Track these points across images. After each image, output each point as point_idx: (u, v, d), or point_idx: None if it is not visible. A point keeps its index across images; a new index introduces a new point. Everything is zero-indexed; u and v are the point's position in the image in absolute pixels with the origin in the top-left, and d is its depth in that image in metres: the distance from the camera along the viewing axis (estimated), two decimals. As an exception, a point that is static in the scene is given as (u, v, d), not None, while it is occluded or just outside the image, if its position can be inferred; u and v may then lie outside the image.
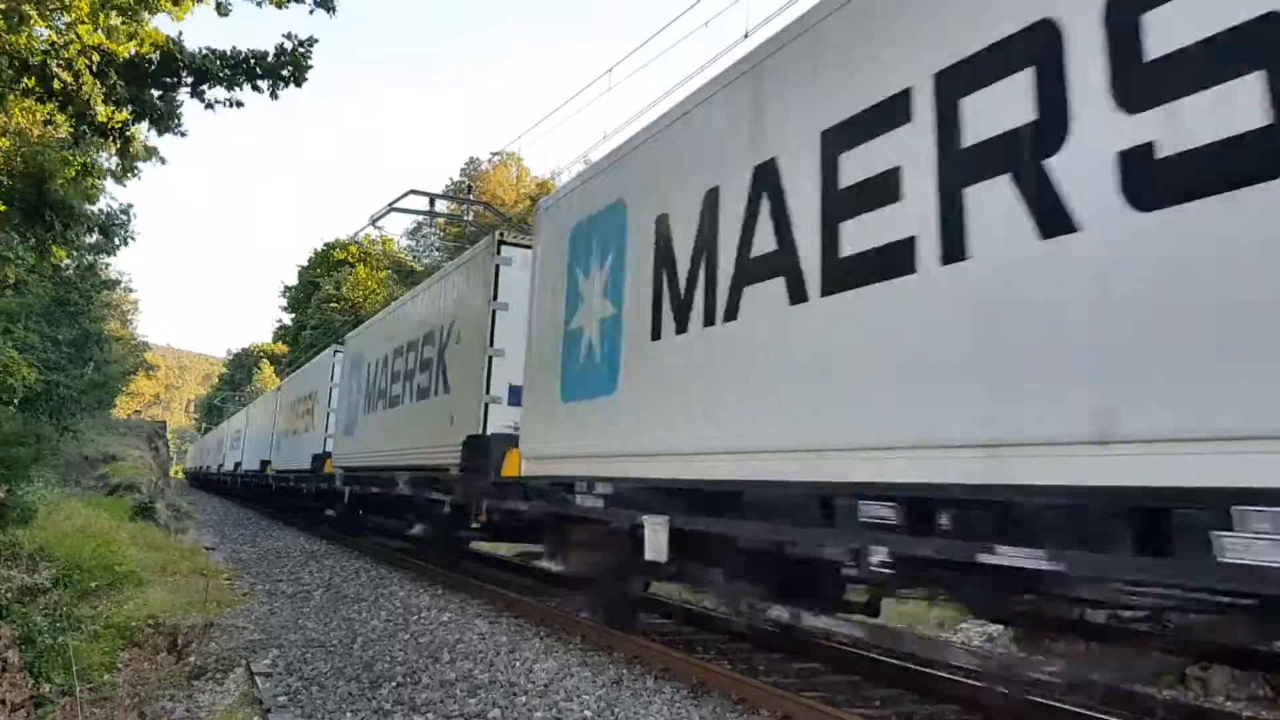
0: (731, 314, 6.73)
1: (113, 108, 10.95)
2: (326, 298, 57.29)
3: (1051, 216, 4.31)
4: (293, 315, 67.58)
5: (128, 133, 12.06)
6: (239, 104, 11.09)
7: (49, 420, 24.29)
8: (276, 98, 10.99)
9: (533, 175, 59.34)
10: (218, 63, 10.72)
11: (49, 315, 25.06)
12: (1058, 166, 4.30)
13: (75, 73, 10.17)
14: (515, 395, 11.00)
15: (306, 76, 10.98)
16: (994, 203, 4.62)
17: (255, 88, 10.88)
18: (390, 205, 21.05)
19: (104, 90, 10.74)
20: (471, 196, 31.86)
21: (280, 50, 10.89)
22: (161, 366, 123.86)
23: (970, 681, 7.13)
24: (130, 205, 20.16)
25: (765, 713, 6.43)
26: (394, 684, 7.14)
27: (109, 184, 16.50)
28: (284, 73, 10.82)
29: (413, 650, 8.44)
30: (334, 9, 11.37)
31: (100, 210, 18.06)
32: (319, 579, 13.47)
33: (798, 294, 6.00)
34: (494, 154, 61.42)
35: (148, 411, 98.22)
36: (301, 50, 10.92)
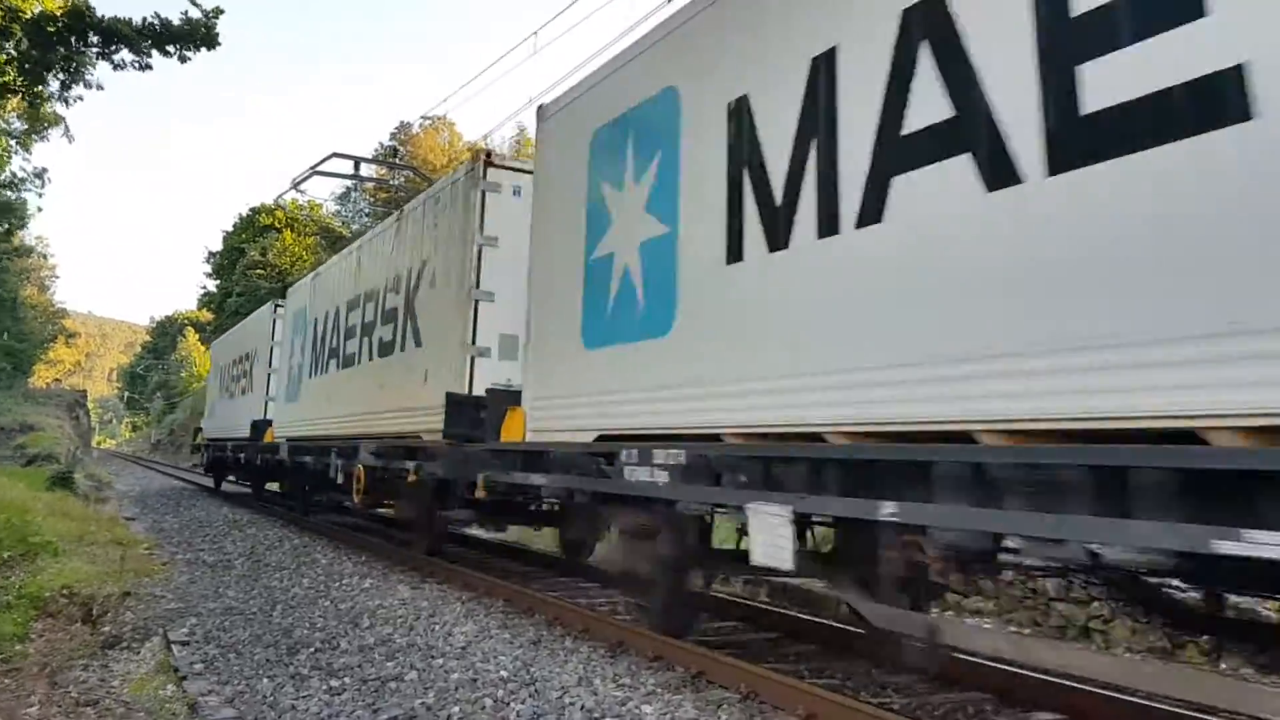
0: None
1: (14, 69, 10.74)
2: (252, 264, 56.34)
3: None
4: (217, 282, 66.35)
5: (36, 89, 11.80)
6: (148, 67, 10.98)
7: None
8: (185, 61, 10.87)
9: (465, 140, 58.59)
10: (125, 28, 10.56)
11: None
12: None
13: None
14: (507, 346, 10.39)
15: (218, 40, 10.86)
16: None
17: (164, 52, 10.75)
18: (312, 169, 20.63)
19: (9, 50, 10.49)
20: (398, 160, 31.41)
21: (186, 18, 10.81)
22: (82, 334, 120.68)
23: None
24: (45, 170, 19.72)
25: (680, 669, 6.55)
26: (312, 650, 7.17)
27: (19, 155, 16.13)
28: (195, 38, 10.71)
29: (333, 616, 8.47)
30: None
31: (11, 173, 17.64)
32: (241, 548, 13.39)
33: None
34: (424, 118, 60.60)
35: (68, 380, 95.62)
36: (207, 19, 10.86)
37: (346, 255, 15.90)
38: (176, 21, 10.82)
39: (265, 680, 6.31)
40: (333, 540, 14.54)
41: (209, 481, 28.45)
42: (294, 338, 18.46)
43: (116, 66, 11.02)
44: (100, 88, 12.54)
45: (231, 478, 26.51)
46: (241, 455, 22.09)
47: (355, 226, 58.88)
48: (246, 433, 20.89)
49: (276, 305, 21.54)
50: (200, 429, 30.79)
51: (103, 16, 10.65)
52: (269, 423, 19.34)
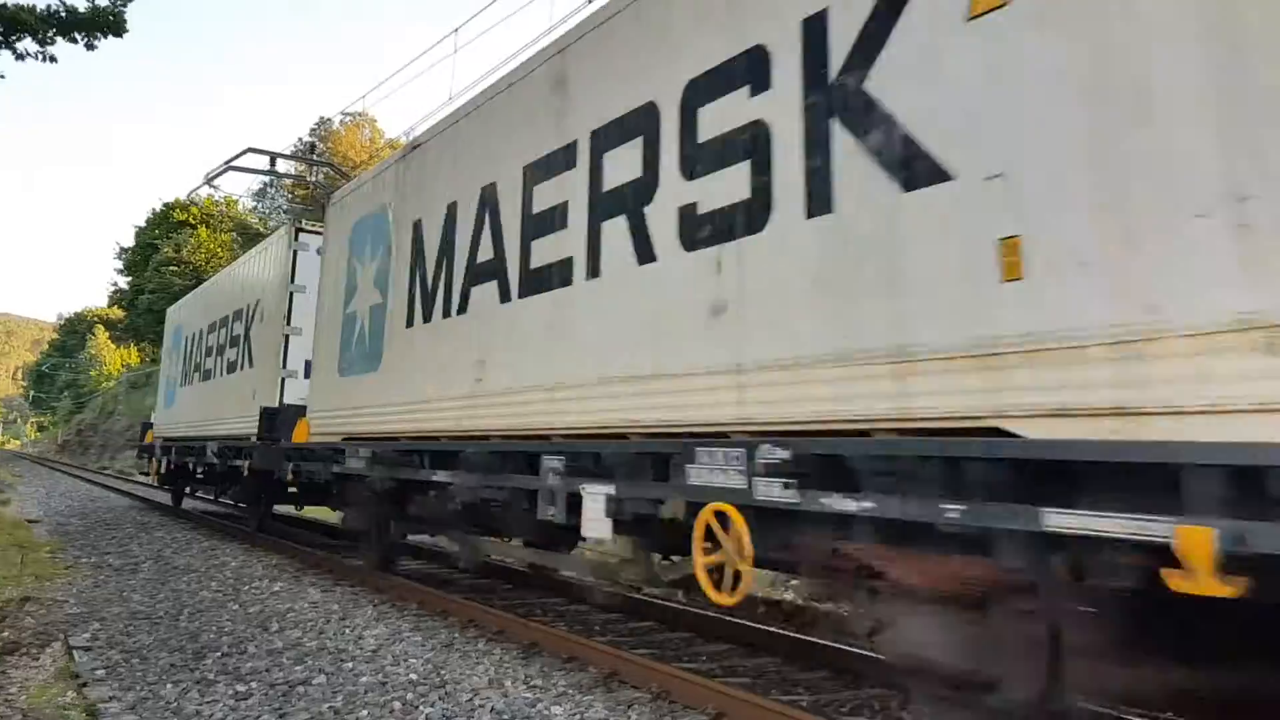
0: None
1: None
2: (165, 260, 55.08)
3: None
4: (129, 279, 64.66)
5: None
6: (52, 59, 10.66)
7: None
8: (93, 49, 10.57)
9: (386, 138, 57.82)
10: (28, 16, 10.25)
11: None
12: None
13: None
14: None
15: (127, 27, 10.59)
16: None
17: (70, 39, 10.45)
18: (227, 164, 20.21)
19: None
20: (315, 156, 30.96)
21: (93, 5, 10.48)
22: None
23: (790, 634, 7.57)
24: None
25: (594, 670, 6.58)
26: (219, 654, 7.06)
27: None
28: (102, 25, 10.43)
29: (241, 620, 8.33)
30: None
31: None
32: (148, 550, 13.08)
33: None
34: (345, 114, 59.67)
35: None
36: (115, 6, 10.55)
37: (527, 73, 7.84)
38: (83, 8, 10.56)
39: (170, 686, 6.19)
40: (243, 543, 14.26)
41: (122, 483, 27.50)
42: (356, 268, 10.85)
43: (19, 56, 10.73)
44: (2, 76, 12.19)
45: (209, 495, 19.72)
46: (238, 463, 14.61)
47: (272, 223, 57.84)
48: (239, 427, 14.63)
49: (298, 230, 14.56)
50: (149, 425, 22.77)
51: (5, 4, 10.35)
52: (300, 411, 12.29)
